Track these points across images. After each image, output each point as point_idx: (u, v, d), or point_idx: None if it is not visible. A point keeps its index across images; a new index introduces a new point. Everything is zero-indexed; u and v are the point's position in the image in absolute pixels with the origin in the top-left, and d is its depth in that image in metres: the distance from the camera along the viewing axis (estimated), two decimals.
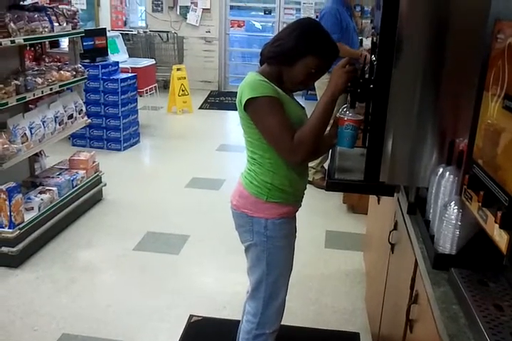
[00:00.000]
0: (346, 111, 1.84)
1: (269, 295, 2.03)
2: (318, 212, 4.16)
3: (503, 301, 1.28)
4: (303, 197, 2.06)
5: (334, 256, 3.54)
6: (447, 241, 1.46)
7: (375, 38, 1.96)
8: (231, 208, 2.03)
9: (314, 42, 1.83)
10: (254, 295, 2.07)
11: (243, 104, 1.81)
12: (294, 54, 1.83)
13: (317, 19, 4.25)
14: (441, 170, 1.60)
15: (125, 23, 9.19)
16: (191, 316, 2.80)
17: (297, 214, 2.11)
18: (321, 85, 4.23)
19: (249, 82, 1.83)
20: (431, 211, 1.65)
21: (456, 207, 1.43)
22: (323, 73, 1.92)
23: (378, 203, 2.65)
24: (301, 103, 2.03)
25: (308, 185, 2.07)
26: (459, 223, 1.43)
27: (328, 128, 1.92)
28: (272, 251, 1.97)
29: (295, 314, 2.81)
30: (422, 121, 1.70)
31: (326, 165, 4.51)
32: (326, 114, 1.79)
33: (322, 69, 1.88)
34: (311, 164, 4.43)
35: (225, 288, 3.08)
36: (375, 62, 1.76)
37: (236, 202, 2.00)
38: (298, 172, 1.95)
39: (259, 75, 1.85)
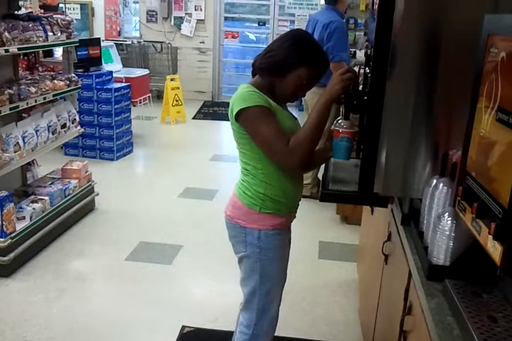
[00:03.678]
0: (341, 123, 1.85)
1: (263, 306, 2.03)
2: (312, 223, 4.16)
3: (497, 312, 1.29)
4: (297, 208, 2.05)
5: (328, 266, 3.53)
6: (441, 252, 1.46)
7: (369, 51, 1.97)
8: (225, 218, 2.03)
9: (306, 54, 1.84)
10: (247, 307, 2.06)
11: (234, 115, 1.82)
12: (286, 65, 1.84)
13: (322, 31, 4.21)
14: (434, 181, 1.61)
15: (119, 33, 9.23)
16: (183, 327, 2.78)
17: (291, 225, 2.11)
18: (312, 99, 4.28)
19: (240, 93, 1.84)
20: (425, 222, 1.65)
21: (449, 218, 1.44)
22: (314, 85, 1.93)
23: (372, 214, 2.66)
24: (294, 114, 2.04)
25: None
26: (453, 234, 1.43)
27: (323, 141, 1.92)
28: (265, 263, 1.97)
29: (288, 325, 2.79)
30: (415, 133, 1.71)
31: (320, 176, 4.51)
32: (320, 120, 1.78)
33: (313, 80, 1.89)
34: (306, 181, 4.42)
35: (218, 298, 3.06)
36: (369, 75, 1.78)
37: (230, 213, 2.00)
38: (292, 183, 1.95)
39: (250, 87, 1.86)
